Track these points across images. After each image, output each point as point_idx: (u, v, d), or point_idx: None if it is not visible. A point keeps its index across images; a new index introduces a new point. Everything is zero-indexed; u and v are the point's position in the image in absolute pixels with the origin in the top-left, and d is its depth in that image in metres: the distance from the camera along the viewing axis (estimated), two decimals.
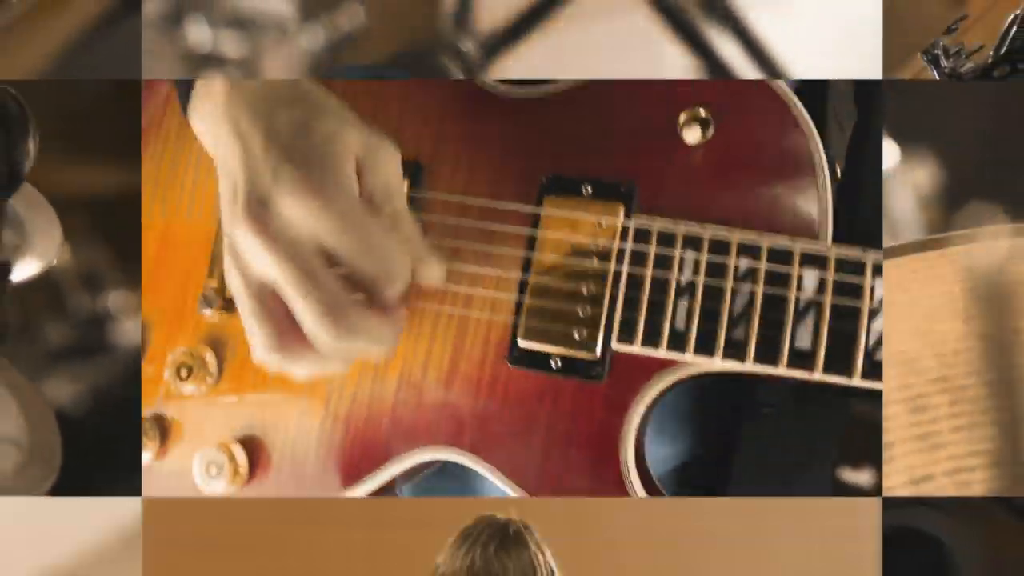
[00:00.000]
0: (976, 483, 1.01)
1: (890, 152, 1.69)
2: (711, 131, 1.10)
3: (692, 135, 1.11)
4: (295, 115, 1.06)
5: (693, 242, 1.07)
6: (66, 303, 1.57)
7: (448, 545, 1.22)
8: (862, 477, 1.38)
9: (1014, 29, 1.38)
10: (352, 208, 1.04)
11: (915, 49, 1.40)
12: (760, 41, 2.19)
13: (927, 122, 1.71)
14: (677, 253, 1.08)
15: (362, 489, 1.19)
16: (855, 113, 1.26)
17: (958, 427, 1.03)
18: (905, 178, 1.72)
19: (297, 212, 1.02)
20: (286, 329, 1.04)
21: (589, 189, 1.13)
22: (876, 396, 1.04)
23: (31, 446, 0.99)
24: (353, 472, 1.19)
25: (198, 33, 1.47)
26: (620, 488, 1.09)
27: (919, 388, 1.04)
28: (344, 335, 1.03)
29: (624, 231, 1.11)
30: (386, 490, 1.21)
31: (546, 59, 2.26)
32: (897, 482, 1.05)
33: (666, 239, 1.09)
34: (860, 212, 1.22)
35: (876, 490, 1.12)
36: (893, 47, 1.43)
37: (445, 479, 1.28)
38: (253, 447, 1.22)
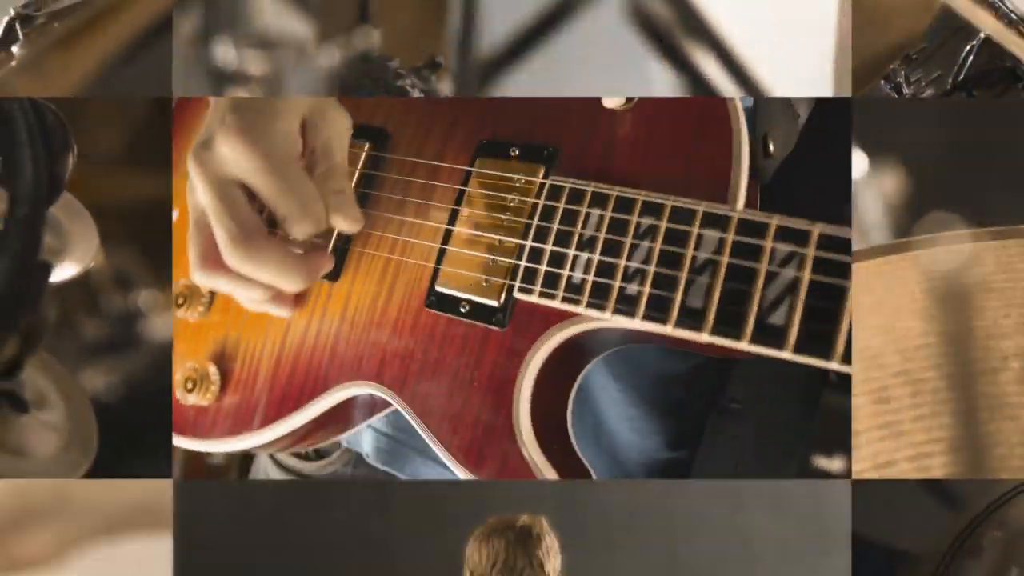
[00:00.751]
0: (935, 468, 1.01)
1: (859, 163, 1.69)
2: (635, 99, 1.09)
3: (612, 100, 1.09)
4: None
5: (600, 199, 1.04)
6: (100, 302, 1.57)
7: (471, 543, 1.27)
8: (834, 464, 1.38)
9: (970, 59, 1.39)
10: (277, 156, 1.10)
11: (880, 72, 1.41)
12: (739, 60, 2.19)
13: (894, 136, 1.71)
14: (584, 209, 1.05)
15: (305, 415, 1.20)
16: (812, 101, 1.25)
17: (919, 416, 1.03)
18: (873, 186, 1.73)
19: (228, 152, 1.08)
20: (210, 252, 1.12)
21: (516, 151, 1.14)
22: (846, 389, 1.03)
23: (70, 431, 0.99)
24: (296, 397, 1.21)
25: (224, 53, 1.47)
26: (510, 436, 1.06)
27: (883, 380, 1.04)
28: (248, 260, 1.10)
29: (540, 188, 1.10)
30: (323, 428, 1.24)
31: (543, 78, 2.26)
32: (863, 467, 1.05)
33: (576, 196, 1.06)
34: (808, 186, 1.20)
35: (847, 474, 1.13)
36: (860, 69, 1.43)
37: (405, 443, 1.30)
38: (225, 367, 1.26)
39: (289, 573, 1.93)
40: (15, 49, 1.42)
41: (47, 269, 0.96)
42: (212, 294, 1.30)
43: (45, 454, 0.97)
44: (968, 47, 1.40)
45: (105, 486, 1.17)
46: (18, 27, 1.44)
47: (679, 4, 2.23)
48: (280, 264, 1.12)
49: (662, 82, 2.24)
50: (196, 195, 1.12)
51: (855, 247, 1.11)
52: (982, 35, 1.42)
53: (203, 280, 1.14)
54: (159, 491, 1.19)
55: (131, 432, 1.26)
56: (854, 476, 1.07)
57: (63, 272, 1.03)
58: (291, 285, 1.14)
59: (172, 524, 1.21)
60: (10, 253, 0.93)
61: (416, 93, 1.65)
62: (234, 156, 1.09)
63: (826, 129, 1.25)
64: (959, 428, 0.98)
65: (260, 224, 1.11)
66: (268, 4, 1.78)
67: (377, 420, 1.25)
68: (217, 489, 1.26)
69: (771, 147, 1.16)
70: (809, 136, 1.23)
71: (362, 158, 1.23)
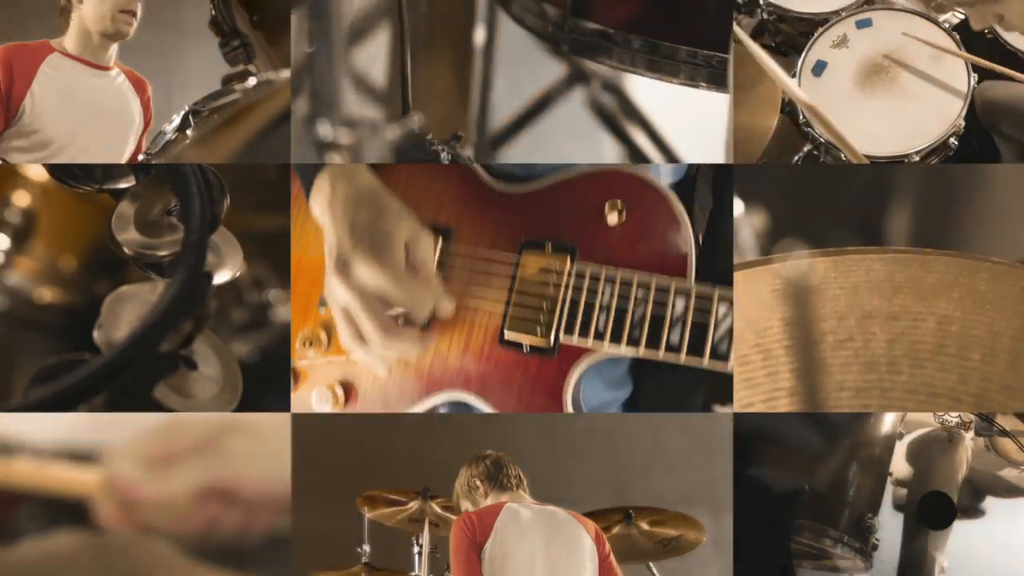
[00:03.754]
0: (780, 407, 1.05)
1: (737, 206, 1.72)
2: (624, 215, 1.18)
3: (612, 219, 1.19)
4: (369, 213, 1.17)
5: (610, 280, 1.16)
6: (244, 297, 1.59)
7: (461, 472, 1.34)
8: (727, 408, 1.41)
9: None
10: (398, 273, 1.15)
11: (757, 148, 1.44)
12: (661, 136, 2.22)
13: (760, 189, 1.75)
14: (600, 286, 1.16)
15: (415, 410, 1.24)
16: (711, 202, 1.31)
17: (769, 374, 1.06)
18: (746, 222, 1.76)
19: (366, 274, 1.14)
20: (359, 337, 1.17)
21: (549, 247, 1.20)
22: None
23: (224, 382, 1.00)
24: (410, 398, 1.24)
25: (324, 130, 1.50)
26: None
27: (744, 351, 1.08)
28: (388, 344, 1.16)
29: (569, 272, 1.18)
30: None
31: (530, 148, 2.29)
32: (737, 407, 1.09)
33: (594, 277, 1.17)
34: (716, 257, 1.27)
35: (730, 411, 1.17)
36: (740, 145, 1.47)
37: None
38: (348, 386, 1.27)
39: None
40: (189, 132, 1.47)
41: (209, 277, 0.98)
42: (330, 337, 1.29)
43: (208, 397, 0.98)
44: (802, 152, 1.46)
45: (246, 417, 1.20)
46: (191, 118, 1.48)
47: (621, 97, 2.27)
48: (408, 344, 1.18)
49: (610, 149, 2.27)
50: (337, 295, 1.16)
51: (734, 262, 1.14)
52: (805, 149, 1.48)
53: (356, 353, 1.19)
54: (282, 421, 1.22)
55: (263, 383, 1.28)
56: (734, 411, 1.10)
57: (220, 278, 1.05)
58: (416, 355, 1.21)
59: (290, 445, 1.24)
60: (186, 267, 0.96)
61: (446, 158, 1.66)
62: (372, 276, 1.14)
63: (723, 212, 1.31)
64: (796, 381, 1.00)
65: (394, 322, 1.18)
66: (352, 96, 1.81)
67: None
68: (323, 418, 1.29)
69: (700, 239, 1.24)
70: (715, 224, 1.30)
71: (437, 251, 1.25)
